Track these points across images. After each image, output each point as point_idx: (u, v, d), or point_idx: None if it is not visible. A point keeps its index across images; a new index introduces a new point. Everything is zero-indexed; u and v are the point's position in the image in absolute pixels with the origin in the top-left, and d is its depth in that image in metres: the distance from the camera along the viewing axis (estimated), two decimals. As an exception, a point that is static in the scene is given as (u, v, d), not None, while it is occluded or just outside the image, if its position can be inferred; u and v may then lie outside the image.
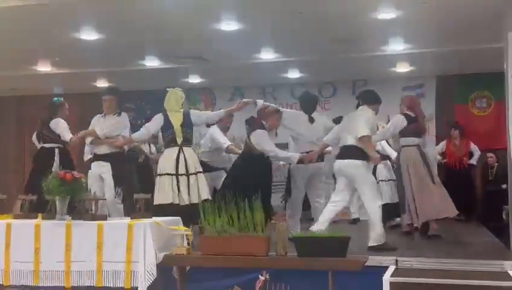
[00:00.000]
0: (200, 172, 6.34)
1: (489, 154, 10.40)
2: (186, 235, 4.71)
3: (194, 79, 11.14)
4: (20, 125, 11.92)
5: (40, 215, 5.10)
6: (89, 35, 8.05)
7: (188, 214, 5.57)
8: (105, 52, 8.89)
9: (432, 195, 6.86)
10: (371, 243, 5.92)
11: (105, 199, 5.57)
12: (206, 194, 6.26)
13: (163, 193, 6.07)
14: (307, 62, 9.87)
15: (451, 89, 10.95)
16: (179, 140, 6.26)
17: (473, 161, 10.30)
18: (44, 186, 4.89)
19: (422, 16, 7.25)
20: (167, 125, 6.35)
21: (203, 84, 11.56)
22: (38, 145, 7.32)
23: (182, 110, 6.46)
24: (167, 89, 6.57)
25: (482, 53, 8.80)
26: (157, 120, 6.47)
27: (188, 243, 4.68)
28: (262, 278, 4.35)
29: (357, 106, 6.41)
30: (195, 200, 6.12)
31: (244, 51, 9.06)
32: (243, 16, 7.37)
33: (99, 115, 6.96)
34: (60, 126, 7.03)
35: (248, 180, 6.16)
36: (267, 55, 9.30)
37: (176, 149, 6.25)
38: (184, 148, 6.28)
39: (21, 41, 8.22)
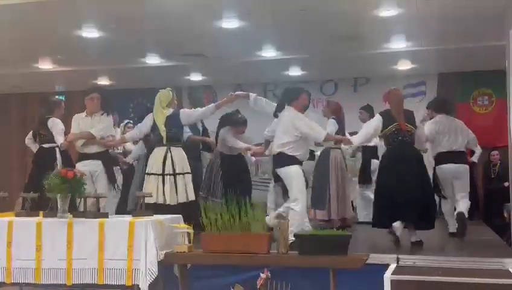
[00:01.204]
0: (188, 173, 6.33)
1: (494, 152, 10.37)
2: (187, 233, 4.71)
3: (196, 77, 11.15)
4: (22, 123, 11.91)
5: (41, 213, 5.10)
6: (90, 33, 8.06)
7: (175, 213, 5.54)
8: (106, 50, 8.90)
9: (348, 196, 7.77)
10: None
11: (106, 197, 5.57)
12: (192, 196, 6.27)
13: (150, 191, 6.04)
14: (309, 60, 9.87)
15: (453, 86, 10.93)
16: (164, 140, 6.26)
17: (475, 159, 10.25)
18: (46, 184, 4.90)
19: (423, 14, 7.24)
20: (156, 125, 6.37)
21: (205, 82, 11.56)
22: (34, 146, 7.18)
23: (166, 109, 6.41)
24: (160, 90, 6.57)
25: (483, 51, 8.79)
26: (147, 120, 6.50)
27: (189, 241, 4.69)
28: (263, 275, 4.34)
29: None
30: (182, 200, 6.14)
31: (246, 49, 9.06)
32: (244, 13, 7.37)
33: (81, 115, 6.76)
34: (56, 127, 6.88)
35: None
36: (269, 52, 9.30)
37: (163, 149, 6.26)
38: (172, 148, 6.29)
39: (23, 39, 8.23)
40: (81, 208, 5.10)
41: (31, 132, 7.27)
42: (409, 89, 10.88)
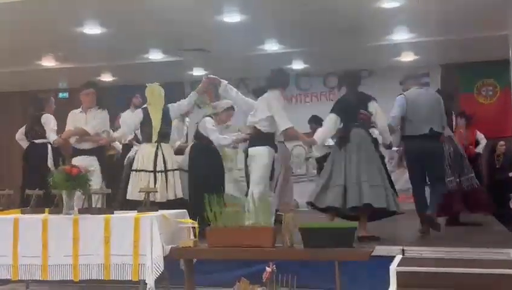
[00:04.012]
0: (176, 169, 6.32)
1: (502, 142, 10.34)
2: (193, 227, 4.72)
3: (198, 72, 11.13)
4: (25, 121, 11.91)
5: (47, 210, 5.12)
6: (92, 29, 8.07)
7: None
8: (108, 46, 8.91)
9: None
10: None
11: (110, 192, 5.57)
12: (180, 192, 6.26)
13: (139, 189, 6.03)
14: (311, 53, 9.86)
15: (456, 77, 10.90)
16: (155, 137, 6.24)
17: (479, 150, 10.24)
18: (51, 180, 4.91)
19: (426, 5, 7.22)
20: (147, 121, 6.33)
21: (207, 77, 11.55)
22: (25, 142, 7.21)
23: (162, 105, 6.41)
24: (147, 84, 6.53)
25: (486, 41, 8.76)
26: (137, 116, 6.45)
27: (195, 236, 4.70)
28: (269, 269, 4.35)
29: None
30: (171, 197, 6.15)
31: (248, 43, 9.05)
32: (246, 7, 7.36)
33: (77, 111, 6.83)
34: (49, 124, 6.96)
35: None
36: (271, 46, 9.30)
37: (153, 145, 6.25)
38: (162, 144, 6.28)
39: (25, 36, 8.24)
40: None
41: (22, 128, 7.29)
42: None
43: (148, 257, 4.59)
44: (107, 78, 11.27)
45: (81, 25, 7.91)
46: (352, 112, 6.04)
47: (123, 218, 4.81)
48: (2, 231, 4.87)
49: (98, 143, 6.62)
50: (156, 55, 9.76)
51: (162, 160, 6.20)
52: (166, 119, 6.39)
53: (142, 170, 6.17)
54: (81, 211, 4.91)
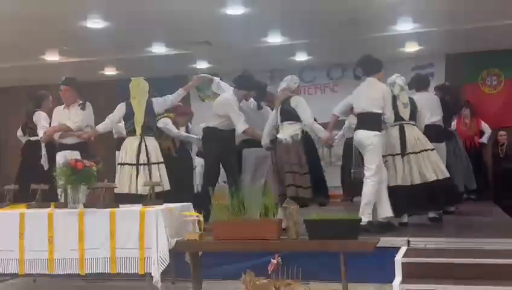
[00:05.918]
0: (162, 162, 6.29)
1: (502, 133, 10.31)
2: (198, 220, 4.73)
3: (202, 65, 11.12)
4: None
5: (52, 204, 5.14)
6: (95, 23, 8.07)
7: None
8: (112, 40, 8.91)
9: None
10: None
11: (116, 187, 5.58)
12: (167, 185, 6.21)
13: (122, 182, 6.01)
14: (315, 44, 9.83)
15: (461, 67, 10.85)
16: (139, 130, 6.21)
17: (484, 140, 10.22)
18: (56, 175, 4.93)
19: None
20: (130, 114, 6.30)
21: (211, 70, 11.48)
22: (24, 139, 7.27)
23: (146, 99, 6.37)
24: (131, 78, 6.51)
25: (491, 30, 8.70)
26: (120, 109, 6.40)
27: (200, 229, 4.71)
28: (274, 261, 4.36)
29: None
30: (157, 190, 6.10)
31: (251, 35, 9.03)
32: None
33: (61, 107, 6.85)
34: (39, 121, 7.01)
35: None
36: (275, 38, 9.27)
37: (137, 138, 6.23)
38: (146, 137, 6.25)
39: (28, 31, 8.25)
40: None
41: (21, 126, 7.36)
42: (417, 71, 10.81)
43: (154, 250, 4.60)
44: (111, 71, 11.27)
45: (84, 19, 7.91)
46: (453, 111, 7.93)
47: (128, 212, 4.82)
48: (9, 226, 4.89)
49: (81, 138, 6.63)
50: (159, 49, 9.75)
51: (145, 153, 6.19)
52: (150, 113, 6.38)
53: (126, 164, 6.16)
54: (87, 205, 4.92)
